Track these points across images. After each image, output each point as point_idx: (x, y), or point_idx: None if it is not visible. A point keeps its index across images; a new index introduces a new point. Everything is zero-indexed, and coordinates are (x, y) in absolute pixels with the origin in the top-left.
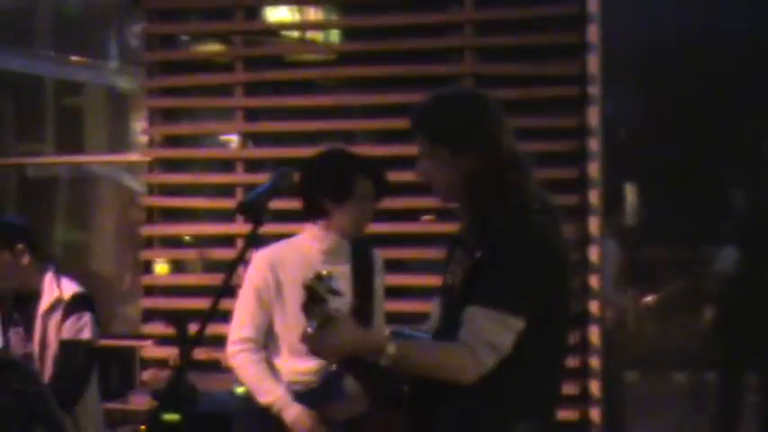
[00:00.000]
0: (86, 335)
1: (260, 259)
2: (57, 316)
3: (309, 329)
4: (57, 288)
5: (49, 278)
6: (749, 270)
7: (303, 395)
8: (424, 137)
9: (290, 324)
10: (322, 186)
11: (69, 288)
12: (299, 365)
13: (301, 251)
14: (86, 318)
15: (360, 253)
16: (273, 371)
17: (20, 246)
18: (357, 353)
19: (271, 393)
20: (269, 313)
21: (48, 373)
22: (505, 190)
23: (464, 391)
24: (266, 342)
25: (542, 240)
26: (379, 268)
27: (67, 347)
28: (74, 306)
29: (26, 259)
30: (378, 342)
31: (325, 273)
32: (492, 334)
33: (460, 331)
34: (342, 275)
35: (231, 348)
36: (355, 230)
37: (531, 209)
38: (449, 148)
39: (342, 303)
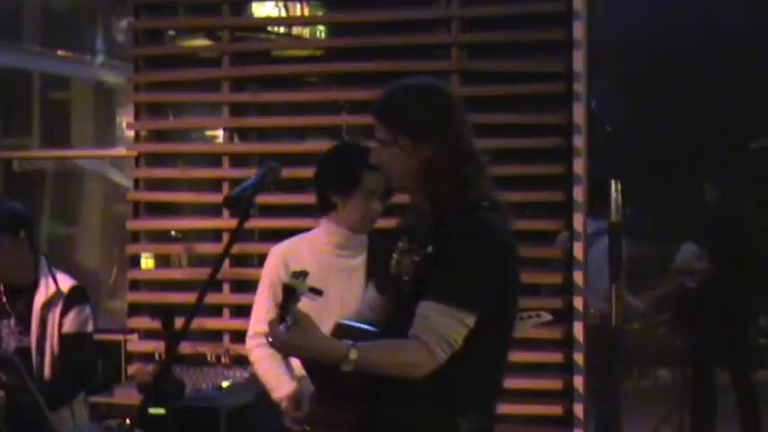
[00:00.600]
0: (90, 327)
1: (273, 254)
2: (56, 309)
3: (282, 328)
4: (53, 281)
5: (44, 271)
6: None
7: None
8: (384, 124)
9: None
10: (329, 180)
11: (66, 281)
12: None
13: (314, 245)
14: (87, 310)
15: (377, 246)
16: (289, 365)
17: (22, 234)
18: (320, 358)
19: (279, 390)
20: None
21: (47, 365)
22: (462, 183)
23: (411, 386)
24: None
25: (494, 238)
26: None
27: (72, 341)
28: (74, 299)
29: (26, 248)
30: (340, 349)
31: (301, 271)
32: (446, 329)
33: (414, 326)
34: (355, 268)
35: (248, 343)
36: (362, 225)
37: (482, 206)
38: (409, 136)
39: (323, 302)
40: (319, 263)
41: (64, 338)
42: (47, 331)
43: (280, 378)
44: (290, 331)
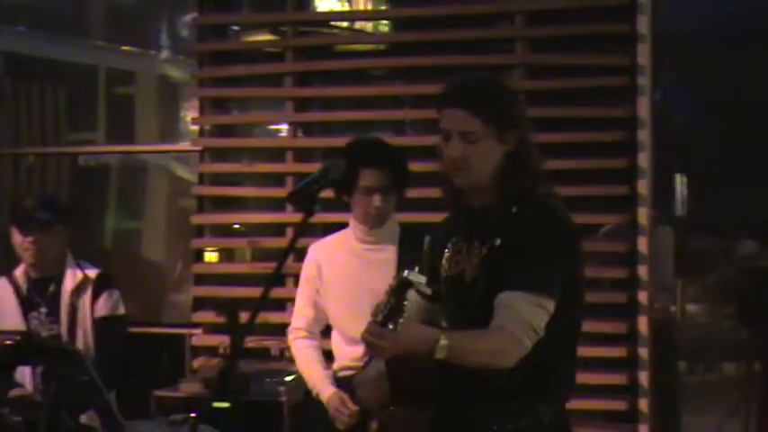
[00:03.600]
0: (122, 310)
1: (309, 251)
2: (86, 295)
3: (392, 326)
4: (79, 269)
5: (70, 262)
6: None
7: (349, 380)
8: (474, 116)
9: (338, 311)
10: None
11: (92, 269)
12: (347, 351)
13: (344, 241)
14: (117, 294)
15: (408, 239)
16: (320, 356)
17: (67, 225)
18: (415, 349)
19: (311, 377)
20: (319, 303)
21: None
22: (540, 174)
23: (488, 380)
24: (323, 328)
25: (564, 223)
26: None
27: (106, 324)
28: (103, 284)
29: (60, 242)
30: (432, 336)
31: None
32: (531, 316)
33: (497, 317)
34: (385, 261)
35: (288, 337)
36: (368, 220)
37: (544, 194)
38: (498, 128)
39: (356, 296)
40: (350, 258)
41: (98, 322)
42: (77, 317)
43: (311, 368)
44: (401, 328)
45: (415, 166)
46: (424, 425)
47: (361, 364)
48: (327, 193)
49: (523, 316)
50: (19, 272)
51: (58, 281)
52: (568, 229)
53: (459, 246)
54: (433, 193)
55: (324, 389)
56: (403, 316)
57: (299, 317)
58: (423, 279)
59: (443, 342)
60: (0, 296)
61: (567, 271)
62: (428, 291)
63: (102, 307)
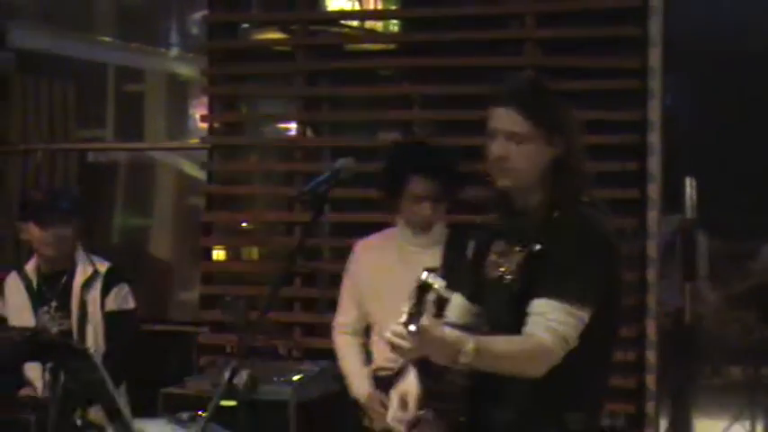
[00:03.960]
0: (132, 304)
1: (355, 249)
2: (95, 289)
3: (413, 328)
4: (90, 263)
5: (80, 256)
6: None
7: (386, 380)
8: (524, 117)
9: (378, 311)
10: (380, 182)
11: (102, 262)
12: (386, 350)
13: (389, 241)
14: (127, 288)
15: (454, 241)
16: (362, 354)
17: (78, 220)
18: (440, 351)
19: (348, 373)
20: (362, 301)
21: (90, 344)
22: (585, 180)
23: (516, 383)
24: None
25: (602, 233)
26: None
27: (116, 318)
28: (113, 278)
29: (77, 234)
30: (459, 340)
31: (433, 267)
32: (563, 326)
33: (530, 324)
34: (428, 263)
35: (333, 332)
36: (415, 227)
37: (585, 202)
38: (547, 131)
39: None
40: (395, 258)
41: (108, 316)
42: (87, 312)
43: (350, 365)
44: (420, 332)
45: None
46: (456, 424)
47: (397, 364)
48: (338, 193)
49: (555, 325)
50: (30, 267)
51: (70, 275)
52: (606, 238)
53: (502, 249)
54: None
55: (360, 388)
56: (423, 317)
57: (343, 314)
58: (442, 282)
59: (470, 347)
60: (10, 291)
61: (604, 281)
62: (448, 294)
63: (113, 301)
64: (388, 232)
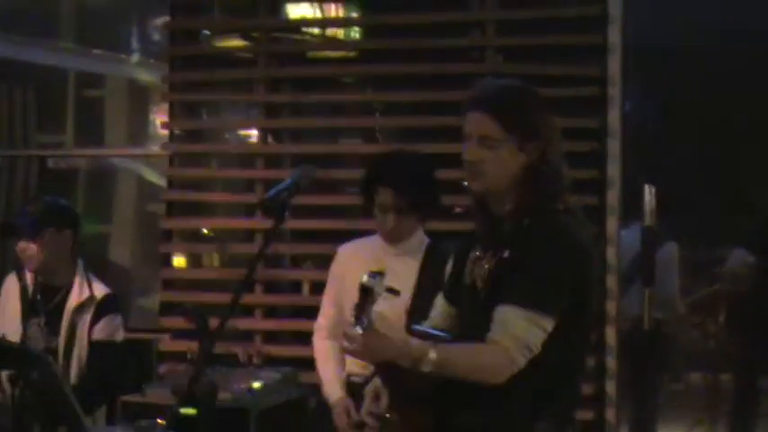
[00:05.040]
0: (120, 336)
1: (338, 252)
2: (88, 315)
3: (358, 329)
4: (87, 286)
5: (80, 274)
6: (759, 271)
7: (357, 387)
8: (497, 122)
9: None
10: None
11: (100, 288)
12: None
13: (370, 246)
14: (119, 320)
15: (432, 252)
16: (338, 358)
17: (67, 232)
18: (398, 359)
19: (323, 378)
20: (342, 303)
21: (73, 369)
22: (562, 187)
23: (485, 390)
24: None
25: (573, 241)
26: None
27: (102, 348)
28: (107, 307)
29: (68, 247)
30: (420, 349)
31: (378, 270)
32: (525, 333)
33: (493, 331)
34: (406, 270)
35: (313, 336)
36: (385, 237)
37: (558, 209)
38: (521, 137)
39: (400, 302)
40: (374, 264)
41: (93, 345)
42: (76, 336)
43: (324, 369)
44: (366, 333)
45: None
46: (421, 430)
47: (369, 370)
48: (300, 200)
49: (517, 332)
50: (29, 273)
51: (65, 293)
52: (578, 247)
53: (477, 255)
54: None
55: (332, 392)
56: (366, 320)
57: (323, 316)
58: (382, 284)
59: (431, 356)
60: (7, 291)
61: (571, 290)
62: (388, 296)
63: (101, 330)
64: (371, 237)
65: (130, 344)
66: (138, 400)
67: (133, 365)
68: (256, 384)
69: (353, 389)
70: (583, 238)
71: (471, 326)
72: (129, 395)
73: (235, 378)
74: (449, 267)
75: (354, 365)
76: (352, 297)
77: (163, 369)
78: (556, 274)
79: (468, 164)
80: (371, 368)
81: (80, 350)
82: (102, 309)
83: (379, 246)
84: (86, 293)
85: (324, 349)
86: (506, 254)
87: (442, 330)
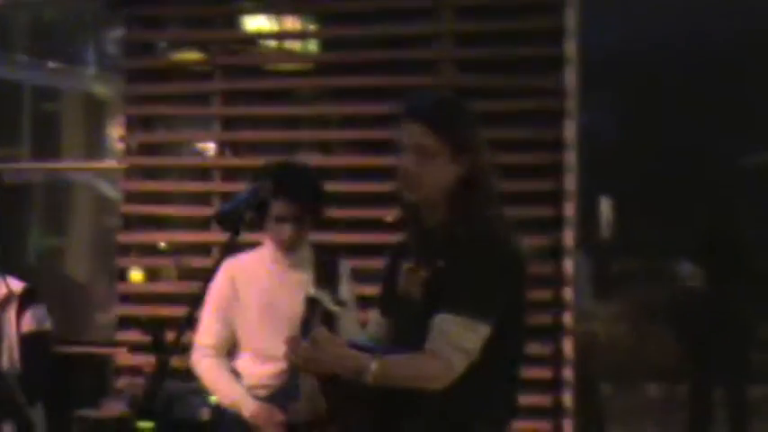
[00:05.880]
0: (48, 325)
1: (222, 269)
2: (11, 310)
3: (305, 342)
4: (3, 283)
5: None
6: (713, 283)
7: (265, 399)
8: (432, 133)
9: (253, 330)
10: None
11: (16, 283)
12: (261, 370)
13: (259, 259)
14: (43, 309)
15: (323, 262)
16: (233, 374)
17: None
18: (341, 370)
19: (230, 394)
20: (229, 320)
21: (4, 364)
22: (493, 198)
23: (427, 398)
24: (230, 348)
25: (506, 249)
26: (346, 277)
27: (33, 339)
28: (28, 299)
29: None
30: (362, 361)
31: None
32: (463, 340)
33: (430, 339)
34: (299, 281)
35: (194, 356)
36: (280, 247)
37: (491, 218)
38: (454, 148)
39: (274, 316)
40: (267, 276)
41: (24, 338)
42: (3, 333)
43: (226, 384)
44: (312, 345)
45: (342, 187)
46: None
47: (275, 382)
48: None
49: (455, 339)
50: None
51: None
52: (510, 255)
53: (410, 265)
54: (357, 213)
55: (247, 402)
56: (313, 330)
57: (207, 335)
58: (327, 296)
59: (373, 368)
60: None
61: (505, 296)
62: (334, 308)
63: (29, 323)
64: (257, 250)
65: (87, 358)
66: (95, 415)
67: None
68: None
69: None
70: (514, 246)
71: (406, 336)
72: (86, 409)
73: (191, 390)
74: (346, 275)
75: (253, 379)
76: (246, 314)
77: (120, 383)
78: (490, 282)
79: (403, 174)
80: (270, 380)
81: (9, 345)
82: (25, 301)
83: (269, 258)
84: (4, 290)
85: (217, 366)
86: (441, 263)
87: (377, 342)
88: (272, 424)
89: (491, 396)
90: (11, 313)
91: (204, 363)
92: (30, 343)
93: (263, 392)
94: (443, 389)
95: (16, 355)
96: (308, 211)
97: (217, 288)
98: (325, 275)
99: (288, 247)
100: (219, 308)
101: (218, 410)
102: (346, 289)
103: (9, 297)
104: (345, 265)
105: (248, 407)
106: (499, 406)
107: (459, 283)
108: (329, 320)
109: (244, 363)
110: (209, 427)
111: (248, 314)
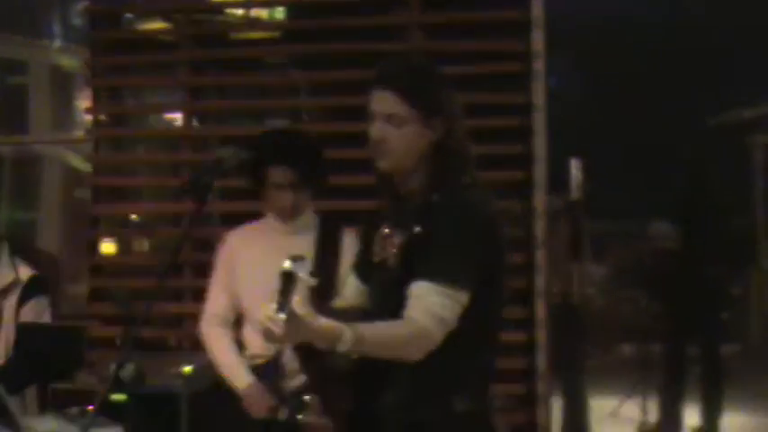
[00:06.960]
0: (47, 318)
1: (225, 239)
2: (13, 297)
3: (282, 315)
4: (12, 269)
5: (4, 257)
6: (686, 244)
7: (260, 368)
8: (401, 100)
9: (254, 299)
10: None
11: (25, 270)
12: (261, 339)
13: (261, 229)
14: (46, 301)
15: (326, 230)
16: (235, 345)
17: None
18: (316, 340)
19: (227, 365)
20: (234, 290)
21: (1, 351)
22: (467, 163)
23: (405, 369)
24: (236, 316)
25: (483, 215)
26: (348, 245)
27: (30, 330)
28: (32, 289)
29: None
30: (335, 330)
31: (298, 255)
32: (441, 308)
33: (408, 307)
34: (300, 251)
35: (201, 324)
36: (280, 216)
37: (467, 185)
38: (425, 114)
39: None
40: (268, 246)
41: (20, 328)
42: (2, 318)
43: (224, 356)
44: (288, 318)
45: None
46: (342, 413)
47: (272, 352)
48: (228, 183)
49: (433, 308)
50: None
51: None
52: (486, 220)
53: (386, 233)
54: (351, 180)
55: (240, 378)
56: (290, 303)
57: (214, 304)
58: (305, 268)
59: (347, 336)
60: None
61: (483, 263)
62: (312, 281)
63: (28, 313)
64: (260, 221)
65: (61, 331)
66: (69, 387)
67: (62, 347)
68: (186, 369)
69: (256, 371)
70: (490, 211)
71: (383, 303)
72: (60, 382)
73: (165, 363)
74: (350, 244)
75: (256, 348)
76: (248, 284)
77: (93, 356)
78: (467, 249)
79: (373, 142)
80: (272, 349)
81: (6, 333)
82: (28, 291)
83: (269, 227)
84: (11, 276)
85: (220, 336)
86: (417, 230)
87: (356, 308)
88: (260, 405)
89: (470, 365)
90: (13, 300)
91: (208, 331)
92: (25, 334)
93: (260, 362)
94: (421, 359)
95: (12, 344)
96: (306, 178)
97: (220, 257)
98: (328, 244)
99: (288, 215)
100: (223, 277)
101: (192, 381)
102: (348, 257)
103: (14, 284)
104: (351, 235)
105: (242, 381)
106: (478, 374)
107: (438, 250)
108: (309, 292)
109: (247, 332)
110: (183, 398)
111: (249, 284)
